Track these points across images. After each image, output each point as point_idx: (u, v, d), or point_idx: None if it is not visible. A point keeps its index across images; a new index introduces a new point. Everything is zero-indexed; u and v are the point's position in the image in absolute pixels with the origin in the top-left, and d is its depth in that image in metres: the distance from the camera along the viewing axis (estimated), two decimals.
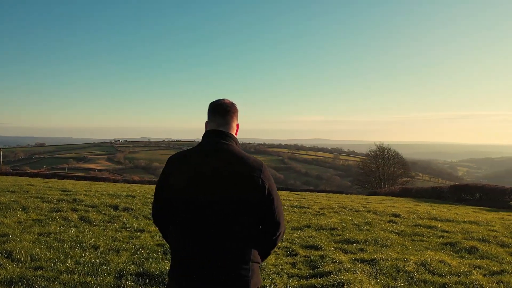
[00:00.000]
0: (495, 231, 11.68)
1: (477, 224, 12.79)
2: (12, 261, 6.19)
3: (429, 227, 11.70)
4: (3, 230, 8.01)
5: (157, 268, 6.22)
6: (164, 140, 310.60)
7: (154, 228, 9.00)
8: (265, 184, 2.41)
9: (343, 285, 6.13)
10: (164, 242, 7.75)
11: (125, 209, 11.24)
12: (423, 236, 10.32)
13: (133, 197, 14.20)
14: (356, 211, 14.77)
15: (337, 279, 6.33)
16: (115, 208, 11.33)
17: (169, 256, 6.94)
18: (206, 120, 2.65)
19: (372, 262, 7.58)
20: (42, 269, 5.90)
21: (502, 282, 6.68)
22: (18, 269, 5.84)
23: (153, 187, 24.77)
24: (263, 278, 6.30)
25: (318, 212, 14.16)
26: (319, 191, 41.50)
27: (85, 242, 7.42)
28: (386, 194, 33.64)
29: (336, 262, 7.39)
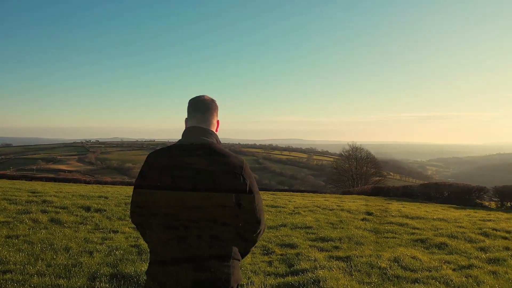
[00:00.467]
0: (463, 227, 12.13)
1: (446, 221, 13.25)
2: None
3: (401, 224, 12.04)
4: None
5: (132, 269, 6.11)
6: (137, 141, 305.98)
7: (128, 229, 8.84)
8: (246, 181, 2.42)
9: (319, 282, 6.23)
10: (139, 242, 7.63)
11: (98, 210, 10.99)
12: (395, 233, 10.62)
13: (106, 198, 13.89)
14: (330, 210, 14.99)
15: (313, 276, 6.43)
16: (87, 209, 11.06)
17: (144, 256, 6.84)
18: (186, 117, 2.63)
19: (346, 259, 7.74)
20: (11, 272, 5.69)
21: (470, 276, 6.99)
22: None
23: (126, 188, 24.34)
24: None
25: (293, 211, 14.29)
26: (294, 191, 41.89)
27: (56, 244, 7.22)
28: (359, 193, 34.28)
29: (311, 259, 7.50)
